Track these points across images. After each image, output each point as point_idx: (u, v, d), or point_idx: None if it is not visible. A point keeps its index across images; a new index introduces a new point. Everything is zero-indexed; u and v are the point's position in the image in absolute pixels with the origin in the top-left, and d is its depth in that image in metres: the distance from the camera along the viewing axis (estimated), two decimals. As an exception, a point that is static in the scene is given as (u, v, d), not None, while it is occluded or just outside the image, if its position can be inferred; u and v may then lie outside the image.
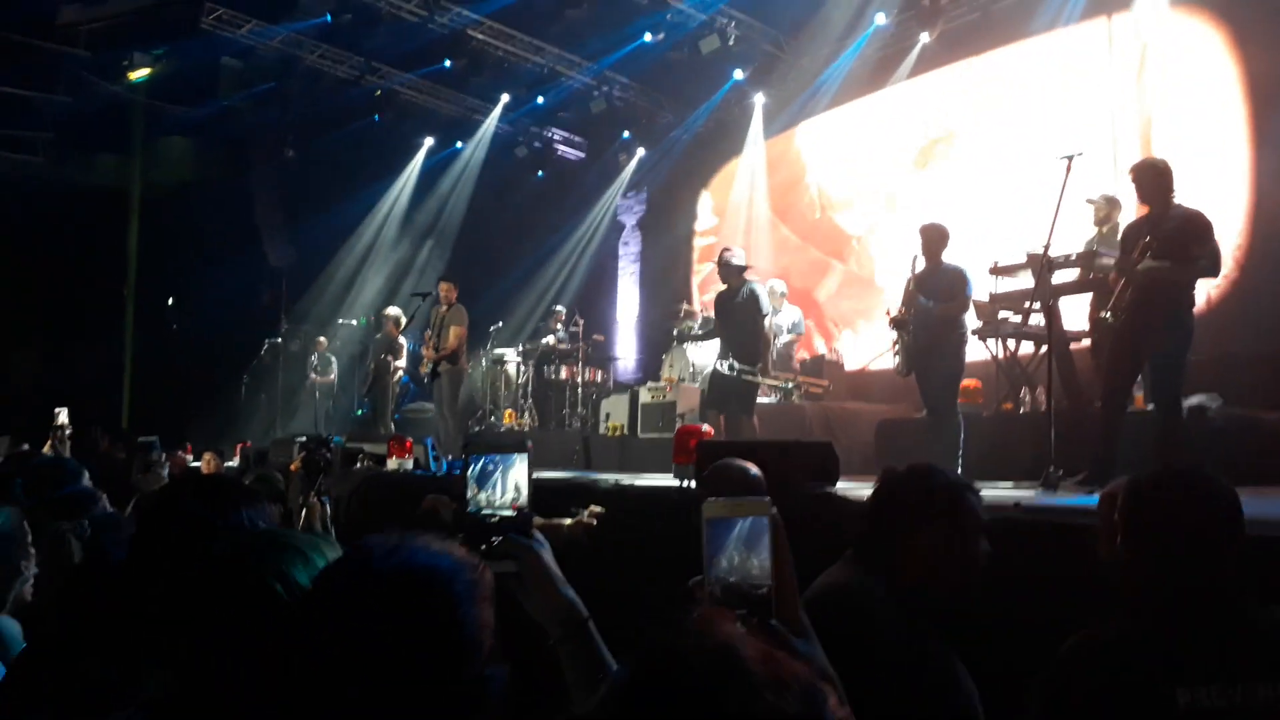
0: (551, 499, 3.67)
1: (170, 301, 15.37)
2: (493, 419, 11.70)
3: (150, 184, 14.89)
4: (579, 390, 11.43)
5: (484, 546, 1.37)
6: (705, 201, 13.82)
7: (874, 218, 11.14)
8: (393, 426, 10.23)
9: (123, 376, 14.65)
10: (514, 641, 1.14)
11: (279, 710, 1.04)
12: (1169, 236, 4.91)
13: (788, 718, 0.74)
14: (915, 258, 6.54)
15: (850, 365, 10.35)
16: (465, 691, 1.04)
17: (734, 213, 13.01)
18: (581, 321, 11.68)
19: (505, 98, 13.44)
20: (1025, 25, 9.46)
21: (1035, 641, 2.01)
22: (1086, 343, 6.33)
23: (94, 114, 12.72)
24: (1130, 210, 6.54)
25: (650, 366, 12.30)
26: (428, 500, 2.92)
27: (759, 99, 12.44)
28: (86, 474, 3.35)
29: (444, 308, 9.36)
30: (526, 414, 11.60)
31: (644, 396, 9.55)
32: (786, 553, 1.08)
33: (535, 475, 1.47)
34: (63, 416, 7.44)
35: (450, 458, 7.41)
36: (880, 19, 10.59)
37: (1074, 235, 6.58)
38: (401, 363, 10.45)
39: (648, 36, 11.52)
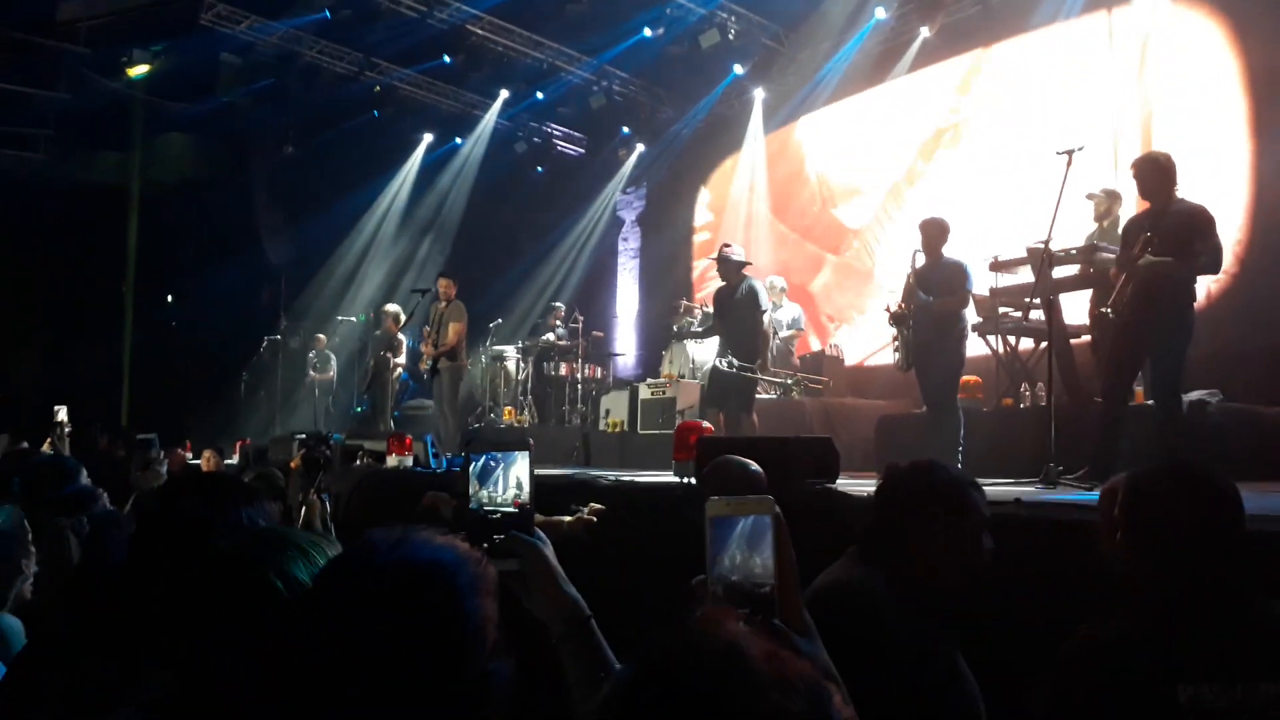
0: (551, 496, 3.67)
1: (170, 298, 15.39)
2: (492, 416, 11.70)
3: (150, 181, 14.87)
4: (579, 387, 11.43)
5: (487, 544, 1.37)
6: (705, 197, 13.81)
7: (874, 212, 11.13)
8: (392, 423, 10.23)
9: (122, 374, 14.64)
10: (515, 640, 1.14)
11: (282, 707, 1.04)
12: (1170, 232, 4.89)
13: (792, 717, 0.74)
14: (915, 253, 6.53)
15: (849, 360, 10.35)
16: (469, 686, 1.03)
17: (734, 208, 13.01)
18: (581, 318, 11.67)
19: (504, 93, 13.44)
20: (1026, 19, 9.45)
21: (1036, 638, 2.01)
22: (1087, 338, 6.33)
23: (93, 111, 12.71)
24: (1131, 204, 6.54)
25: (650, 363, 12.30)
26: (427, 498, 2.91)
27: (759, 94, 12.43)
28: (85, 472, 3.35)
29: (443, 304, 9.36)
30: (526, 411, 11.60)
31: (644, 393, 9.55)
32: (789, 552, 1.08)
33: (535, 472, 1.47)
34: (62, 414, 7.43)
35: (450, 455, 7.41)
36: (880, 13, 10.57)
37: (1074, 230, 6.58)
38: (401, 360, 10.45)
39: (647, 31, 11.51)
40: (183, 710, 1.25)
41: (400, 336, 10.33)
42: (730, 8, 11.14)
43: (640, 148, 14.16)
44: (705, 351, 9.34)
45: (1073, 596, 2.39)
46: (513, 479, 1.45)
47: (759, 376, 7.51)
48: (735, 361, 7.29)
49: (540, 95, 13.33)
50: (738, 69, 12.03)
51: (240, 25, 11.69)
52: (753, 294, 7.45)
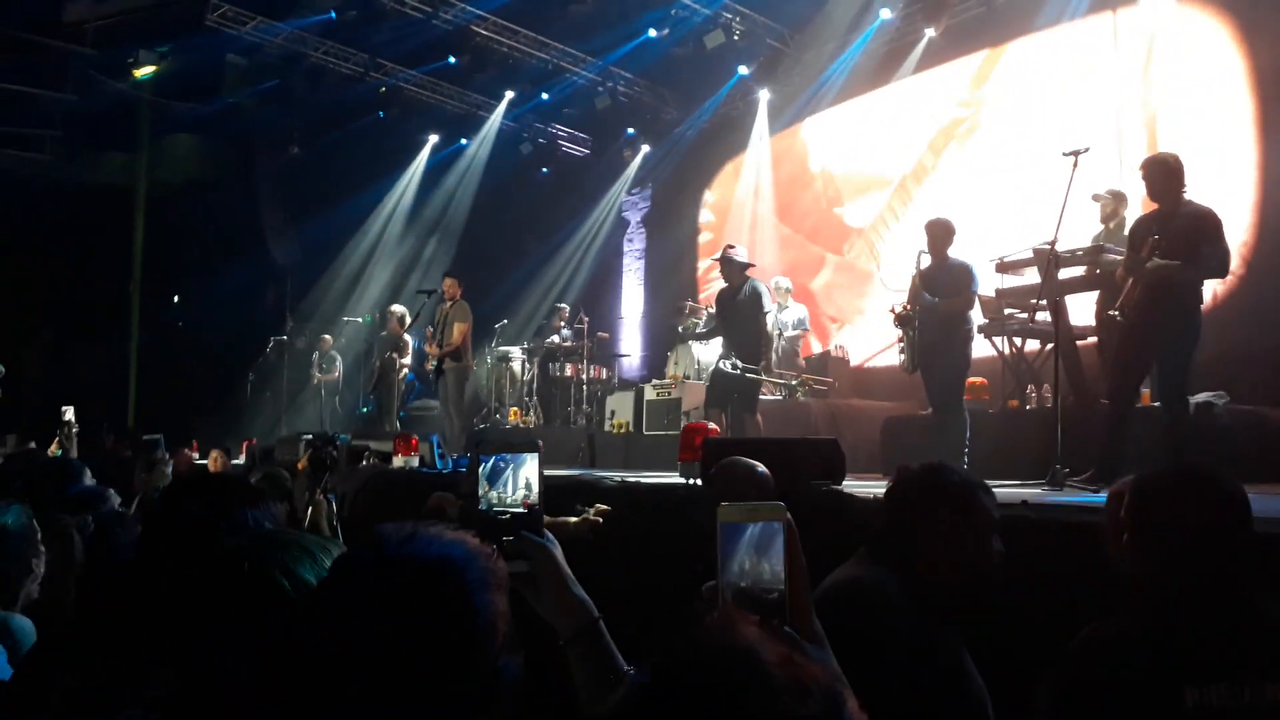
0: (557, 497, 3.67)
1: (176, 299, 15.43)
2: (498, 416, 11.71)
3: (156, 182, 14.92)
4: (584, 388, 11.42)
5: (496, 546, 1.37)
6: (710, 198, 13.81)
7: (879, 213, 11.12)
8: (398, 424, 10.24)
9: (129, 374, 14.68)
10: (523, 642, 1.14)
11: (290, 703, 1.04)
12: (1178, 234, 4.87)
13: None
14: (921, 253, 6.51)
15: (853, 361, 10.35)
16: (479, 681, 1.03)
17: (738, 209, 13.01)
18: (586, 319, 11.67)
19: (509, 94, 13.45)
20: (1031, 20, 9.43)
21: (1044, 639, 2.01)
22: (1093, 339, 6.32)
23: (100, 112, 12.75)
24: (1137, 206, 6.53)
25: (655, 364, 12.30)
26: (433, 498, 2.92)
27: (764, 95, 12.42)
28: (89, 472, 3.36)
29: (448, 304, 9.37)
30: (531, 412, 11.61)
31: (649, 394, 9.54)
32: (800, 559, 1.08)
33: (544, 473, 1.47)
34: (69, 414, 7.46)
35: (456, 455, 7.42)
36: (885, 14, 10.57)
37: (1080, 231, 6.56)
38: (407, 360, 10.47)
39: (652, 32, 11.51)
40: (189, 709, 1.25)
41: (406, 337, 10.35)
42: (735, 8, 11.14)
43: (645, 149, 14.16)
44: (710, 352, 9.33)
45: (1080, 598, 2.38)
46: (522, 480, 1.45)
47: (763, 378, 7.50)
48: (739, 363, 7.28)
49: (545, 96, 13.35)
50: (743, 70, 12.03)
51: (246, 26, 11.72)
52: (756, 295, 7.44)
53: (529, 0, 11.25)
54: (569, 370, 11.52)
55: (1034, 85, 9.56)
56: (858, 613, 1.89)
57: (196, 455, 9.11)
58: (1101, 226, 6.80)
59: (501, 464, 1.46)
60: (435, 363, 9.20)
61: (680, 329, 10.37)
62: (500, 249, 14.74)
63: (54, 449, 6.93)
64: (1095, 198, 6.79)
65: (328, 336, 13.44)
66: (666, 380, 9.69)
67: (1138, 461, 4.37)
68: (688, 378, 9.51)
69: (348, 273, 15.05)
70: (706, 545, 1.10)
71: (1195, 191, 5.12)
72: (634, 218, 15.15)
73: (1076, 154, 5.45)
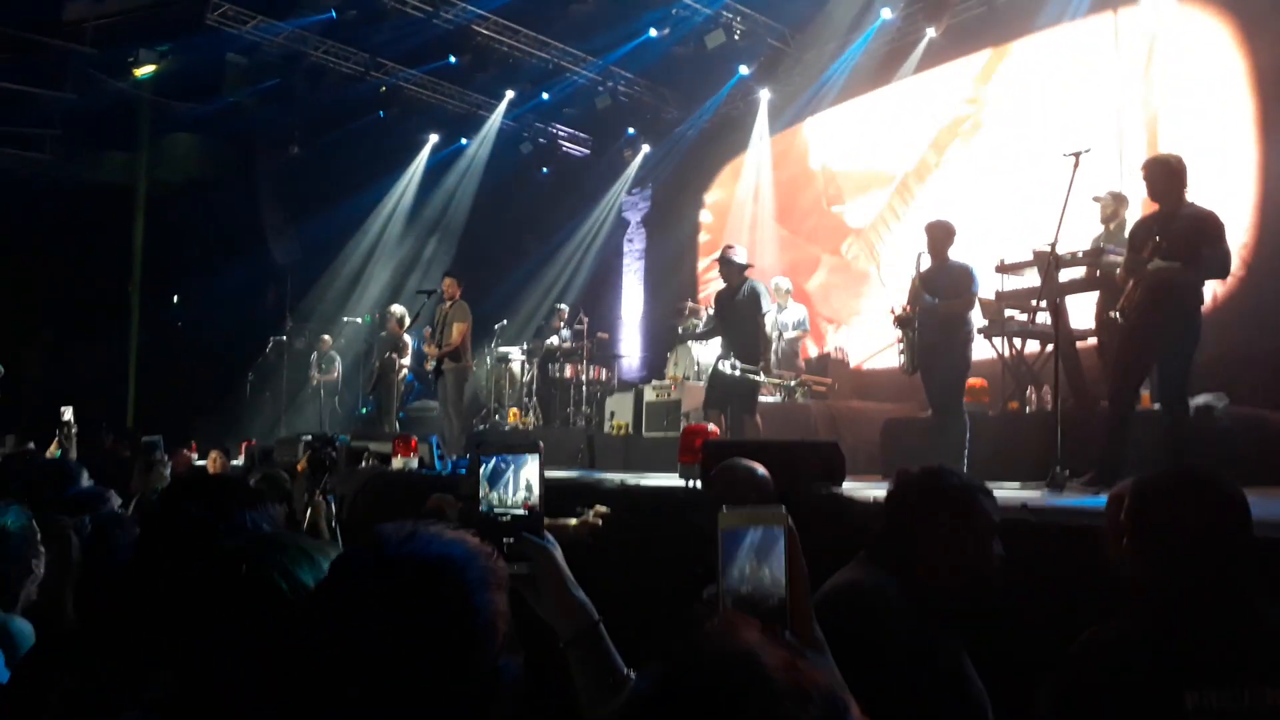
0: (556, 499, 3.66)
1: (175, 299, 15.42)
2: (497, 417, 11.70)
3: (156, 181, 14.92)
4: (583, 389, 11.42)
5: (497, 547, 1.37)
6: (710, 198, 13.81)
7: (879, 213, 11.12)
8: (397, 425, 10.24)
9: (128, 374, 14.68)
10: (524, 643, 1.14)
11: (289, 703, 1.03)
12: (1179, 236, 4.86)
13: None
14: (920, 255, 6.51)
15: (852, 362, 10.35)
16: (479, 681, 1.03)
17: (739, 209, 13.01)
18: (586, 319, 11.67)
19: (510, 94, 13.45)
20: (1032, 20, 9.43)
21: (1043, 643, 2.01)
22: (1093, 341, 6.31)
23: (100, 111, 12.74)
24: (1137, 207, 6.53)
25: (655, 365, 12.29)
26: (433, 499, 2.92)
27: (764, 94, 12.42)
28: (85, 473, 3.35)
29: (448, 304, 9.36)
30: (531, 413, 11.60)
31: (649, 395, 9.53)
32: (801, 565, 1.07)
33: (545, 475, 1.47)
34: (68, 414, 7.45)
35: (455, 457, 7.42)
36: (886, 13, 10.57)
37: (1080, 232, 6.56)
38: (406, 361, 10.46)
39: (653, 32, 11.51)
40: (187, 711, 1.25)
41: (406, 338, 10.34)
42: (736, 8, 11.14)
43: (645, 148, 14.16)
44: (710, 353, 9.31)
45: (1080, 601, 2.38)
46: (523, 481, 1.45)
47: (762, 379, 7.49)
48: (738, 364, 7.27)
49: (546, 96, 13.34)
50: (743, 70, 12.03)
51: (246, 25, 11.71)
52: (754, 295, 7.44)
53: (530, 0, 11.25)
54: (568, 371, 11.52)
55: (1034, 85, 9.56)
56: (858, 616, 1.88)
57: (195, 456, 9.11)
58: (1102, 228, 6.80)
59: (502, 465, 1.46)
60: (434, 363, 9.20)
61: (680, 329, 10.37)
62: (500, 249, 14.74)
63: (53, 449, 6.93)
64: (1096, 199, 6.79)
65: (327, 337, 13.43)
66: (666, 381, 9.68)
67: (1138, 464, 4.37)
68: (687, 379, 9.50)
69: (348, 273, 15.05)
70: (706, 548, 1.10)
71: (1195, 192, 5.12)
72: (634, 218, 15.15)
73: (1077, 155, 5.43)
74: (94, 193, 14.34)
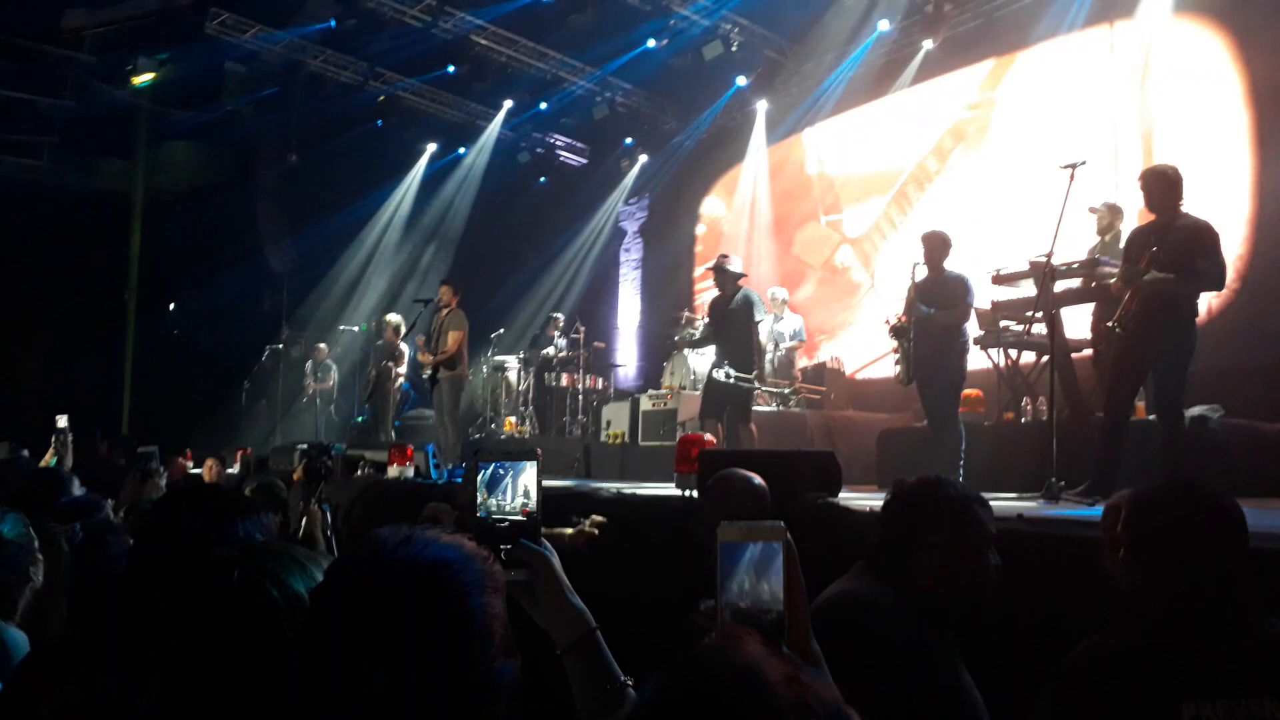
0: (552, 508, 3.66)
1: (172, 306, 15.40)
2: (493, 426, 11.69)
3: (153, 189, 14.93)
4: (580, 398, 11.41)
5: (495, 554, 1.37)
6: (707, 208, 13.83)
7: (875, 222, 11.15)
8: (393, 433, 10.22)
9: (124, 382, 14.64)
10: (521, 650, 1.13)
11: (286, 706, 1.03)
12: (1175, 247, 4.87)
13: None
14: (916, 265, 6.53)
15: (847, 372, 10.36)
16: (476, 684, 1.03)
17: (736, 219, 13.04)
18: (582, 328, 11.67)
19: (508, 103, 13.49)
20: (1029, 32, 9.47)
21: (1040, 654, 2.00)
22: (1088, 352, 6.32)
23: (98, 119, 12.77)
24: (1133, 218, 6.54)
25: (651, 374, 12.30)
26: (429, 508, 2.90)
27: (762, 105, 12.45)
28: (76, 481, 3.34)
29: (444, 311, 9.35)
30: (527, 421, 11.59)
31: (645, 404, 9.53)
32: (800, 580, 1.07)
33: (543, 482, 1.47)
34: (63, 422, 7.42)
35: (451, 465, 7.40)
36: (883, 25, 10.61)
37: (1076, 243, 6.57)
38: (402, 369, 10.45)
39: (651, 43, 11.56)
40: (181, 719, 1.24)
41: (402, 346, 10.33)
42: (733, 19, 11.18)
43: (643, 158, 14.19)
44: (707, 363, 9.33)
45: (1076, 612, 2.38)
46: (521, 487, 1.45)
47: (756, 386, 7.50)
48: (732, 372, 7.28)
49: (544, 106, 13.38)
50: (741, 81, 12.08)
51: (245, 34, 11.73)
52: (748, 304, 7.46)
53: (528, 10, 11.29)
54: (565, 380, 11.51)
55: (1032, 97, 9.60)
56: (854, 627, 1.88)
57: (191, 464, 9.09)
58: (1097, 239, 6.81)
59: (500, 471, 1.46)
60: (429, 371, 9.18)
61: (676, 338, 10.37)
62: (497, 258, 14.75)
63: (49, 457, 6.89)
64: (1091, 210, 6.81)
65: (323, 345, 13.42)
66: (663, 390, 9.68)
67: (1133, 475, 4.37)
68: (684, 388, 9.51)
69: (345, 281, 15.05)
70: (702, 557, 1.10)
71: (1190, 204, 5.14)
72: (631, 227, 15.17)
73: (1074, 167, 5.45)
74: (91, 200, 14.34)
